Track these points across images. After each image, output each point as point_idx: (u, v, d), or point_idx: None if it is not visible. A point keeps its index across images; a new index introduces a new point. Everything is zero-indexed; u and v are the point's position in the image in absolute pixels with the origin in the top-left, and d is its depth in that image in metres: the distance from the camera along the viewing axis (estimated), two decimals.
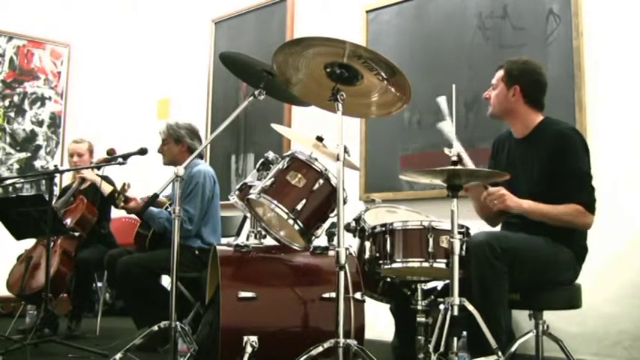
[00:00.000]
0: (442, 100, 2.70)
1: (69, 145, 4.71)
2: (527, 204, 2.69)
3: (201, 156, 3.98)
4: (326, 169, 2.72)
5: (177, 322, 2.84)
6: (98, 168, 4.31)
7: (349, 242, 2.64)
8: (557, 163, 2.72)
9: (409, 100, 2.59)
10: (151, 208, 3.64)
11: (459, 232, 2.47)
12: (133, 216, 4.59)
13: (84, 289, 4.40)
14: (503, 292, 2.59)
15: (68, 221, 4.27)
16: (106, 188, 4.28)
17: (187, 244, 3.76)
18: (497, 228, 3.05)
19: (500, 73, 2.92)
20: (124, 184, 3.73)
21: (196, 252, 3.83)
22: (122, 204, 3.74)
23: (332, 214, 2.74)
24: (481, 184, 2.79)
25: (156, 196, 3.04)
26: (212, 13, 5.99)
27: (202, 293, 3.44)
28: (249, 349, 2.55)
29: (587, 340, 3.47)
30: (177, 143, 4.02)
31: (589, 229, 2.76)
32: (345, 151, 2.48)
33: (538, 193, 2.72)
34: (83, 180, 4.43)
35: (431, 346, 2.41)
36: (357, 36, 4.66)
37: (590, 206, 2.70)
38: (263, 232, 2.99)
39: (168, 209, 3.76)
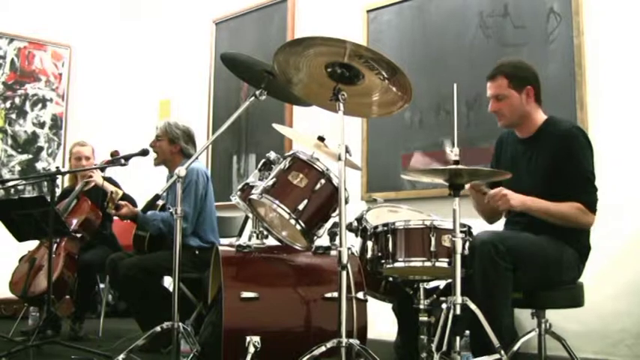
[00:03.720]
0: None
1: (73, 148, 4.65)
2: (531, 200, 2.68)
3: (189, 156, 3.96)
4: (327, 169, 2.72)
5: (180, 323, 2.84)
6: (102, 170, 4.31)
7: (351, 242, 2.64)
8: (563, 164, 2.72)
9: (410, 100, 2.59)
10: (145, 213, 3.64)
11: (461, 231, 2.48)
12: None
13: (87, 291, 4.40)
14: (507, 291, 2.58)
15: (74, 222, 4.28)
16: (109, 188, 4.29)
17: (187, 243, 3.74)
18: (498, 227, 3.04)
19: (502, 81, 2.82)
20: (112, 193, 3.74)
21: (196, 252, 3.82)
22: (113, 211, 3.74)
23: (334, 214, 2.75)
24: (482, 188, 2.78)
25: (157, 196, 3.04)
26: (213, 14, 5.99)
27: (205, 294, 3.44)
28: (251, 350, 2.55)
29: (589, 338, 3.47)
30: (170, 143, 3.99)
31: (589, 228, 2.76)
32: (347, 150, 2.48)
33: (541, 191, 2.71)
34: (87, 182, 4.43)
35: (433, 346, 2.41)
36: (357, 36, 4.65)
37: (591, 205, 2.70)
38: (265, 233, 2.99)
39: (170, 210, 3.76)
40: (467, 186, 2.83)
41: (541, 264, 2.67)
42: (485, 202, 2.74)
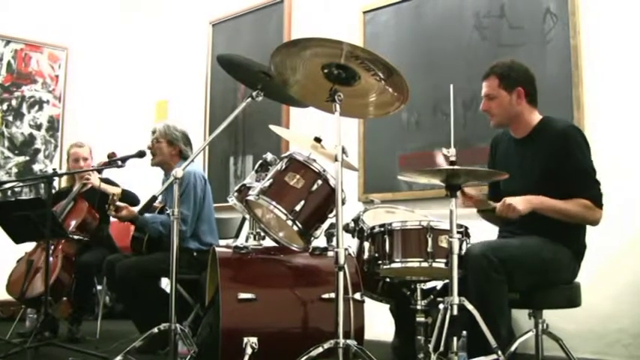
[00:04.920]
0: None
1: (71, 149, 4.64)
2: (537, 199, 2.66)
3: (187, 158, 3.97)
4: (324, 170, 2.72)
5: (177, 325, 2.84)
6: (99, 171, 4.31)
7: (348, 243, 2.65)
8: (562, 163, 2.71)
9: (407, 101, 2.59)
10: (144, 215, 3.63)
11: (458, 232, 2.48)
12: None
13: (85, 293, 4.39)
14: (503, 301, 2.59)
15: (73, 223, 4.27)
16: (108, 188, 4.29)
17: (185, 246, 3.74)
18: (495, 228, 3.05)
19: (493, 81, 2.85)
20: (113, 195, 3.74)
21: (194, 254, 3.82)
22: (114, 213, 3.74)
23: (331, 215, 2.74)
24: (489, 208, 2.78)
25: (154, 198, 3.03)
26: (209, 15, 5.99)
27: (202, 295, 3.44)
28: (249, 351, 2.55)
29: (586, 338, 3.47)
30: (170, 145, 4.00)
31: (598, 224, 2.73)
32: (344, 151, 2.48)
33: (535, 191, 2.70)
34: (84, 184, 4.42)
35: (431, 346, 2.42)
36: (354, 37, 4.66)
37: (597, 201, 2.69)
38: (262, 234, 2.99)
39: (167, 212, 3.76)
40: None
41: (536, 268, 2.66)
42: (497, 217, 2.72)
